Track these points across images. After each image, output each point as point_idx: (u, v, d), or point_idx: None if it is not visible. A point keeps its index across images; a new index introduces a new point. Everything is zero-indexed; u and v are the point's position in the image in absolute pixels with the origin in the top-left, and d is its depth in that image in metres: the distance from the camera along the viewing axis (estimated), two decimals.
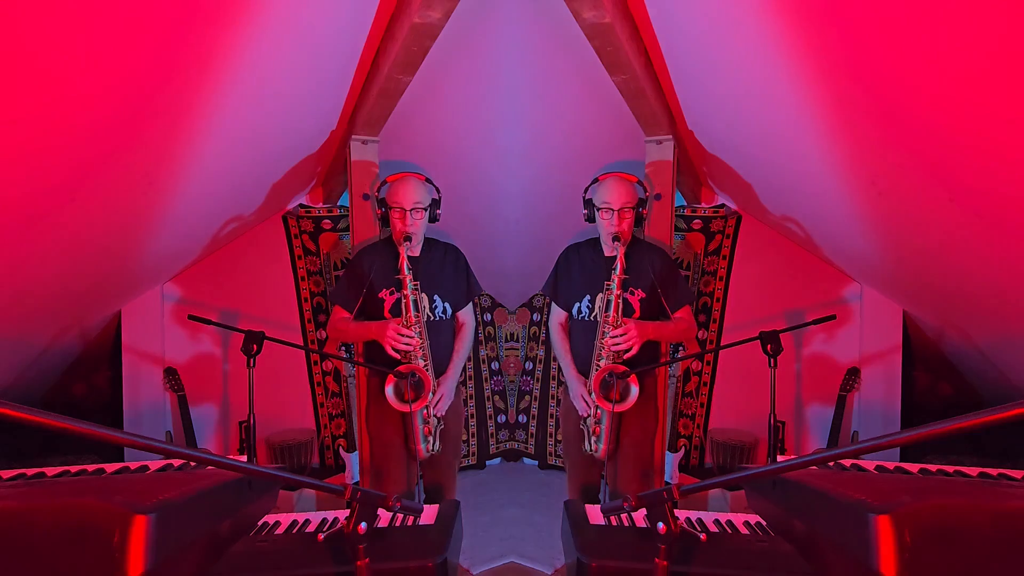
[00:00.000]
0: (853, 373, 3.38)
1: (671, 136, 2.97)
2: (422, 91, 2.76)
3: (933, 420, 0.98)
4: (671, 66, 2.45)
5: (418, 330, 2.49)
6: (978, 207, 1.83)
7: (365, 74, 2.63)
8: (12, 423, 0.90)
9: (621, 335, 2.47)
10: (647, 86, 2.56)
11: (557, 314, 2.75)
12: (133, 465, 2.15)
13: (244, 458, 2.90)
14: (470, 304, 2.76)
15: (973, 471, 2.04)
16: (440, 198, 2.68)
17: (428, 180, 2.65)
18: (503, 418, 4.58)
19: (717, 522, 1.99)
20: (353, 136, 2.99)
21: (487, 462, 4.56)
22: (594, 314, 2.61)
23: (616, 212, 2.54)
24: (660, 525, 1.21)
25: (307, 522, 2.00)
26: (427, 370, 2.50)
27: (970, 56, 1.30)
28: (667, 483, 3.51)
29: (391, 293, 2.59)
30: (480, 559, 3.12)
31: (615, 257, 2.48)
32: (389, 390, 2.48)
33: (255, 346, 2.73)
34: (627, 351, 2.49)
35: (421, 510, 1.37)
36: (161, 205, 2.36)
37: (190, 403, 3.38)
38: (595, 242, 2.70)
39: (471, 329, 2.75)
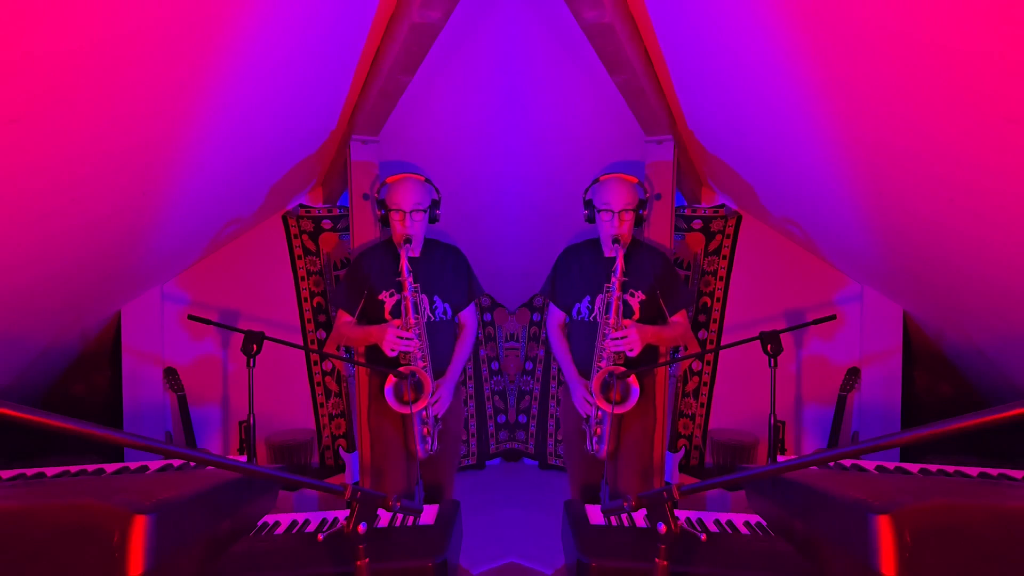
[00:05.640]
0: (853, 373, 3.38)
1: (671, 136, 2.97)
2: (422, 91, 2.76)
3: (933, 420, 0.98)
4: (671, 66, 2.45)
5: (418, 332, 2.49)
6: (978, 207, 1.83)
7: (365, 74, 2.63)
8: (12, 423, 0.90)
9: (622, 338, 2.47)
10: (647, 86, 2.56)
11: (555, 315, 2.75)
12: (133, 465, 2.16)
13: (244, 458, 2.90)
14: (472, 305, 2.76)
15: (973, 471, 2.04)
16: (440, 198, 2.68)
17: (427, 180, 2.65)
18: (503, 418, 4.58)
19: (717, 522, 1.99)
20: (353, 136, 2.99)
21: (487, 462, 4.55)
22: (594, 315, 2.60)
23: (616, 214, 2.54)
24: (660, 525, 1.21)
25: (307, 522, 2.00)
26: (426, 371, 2.50)
27: (969, 55, 1.30)
28: (667, 483, 3.51)
29: (391, 295, 2.59)
30: (480, 559, 3.11)
31: (615, 258, 2.48)
32: (388, 391, 2.48)
33: (255, 346, 2.73)
34: (629, 351, 2.49)
35: (421, 510, 1.37)
36: (161, 205, 2.36)
37: (190, 403, 3.38)
38: (595, 243, 2.69)
39: (472, 331, 2.75)
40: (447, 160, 3.24)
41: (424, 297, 2.59)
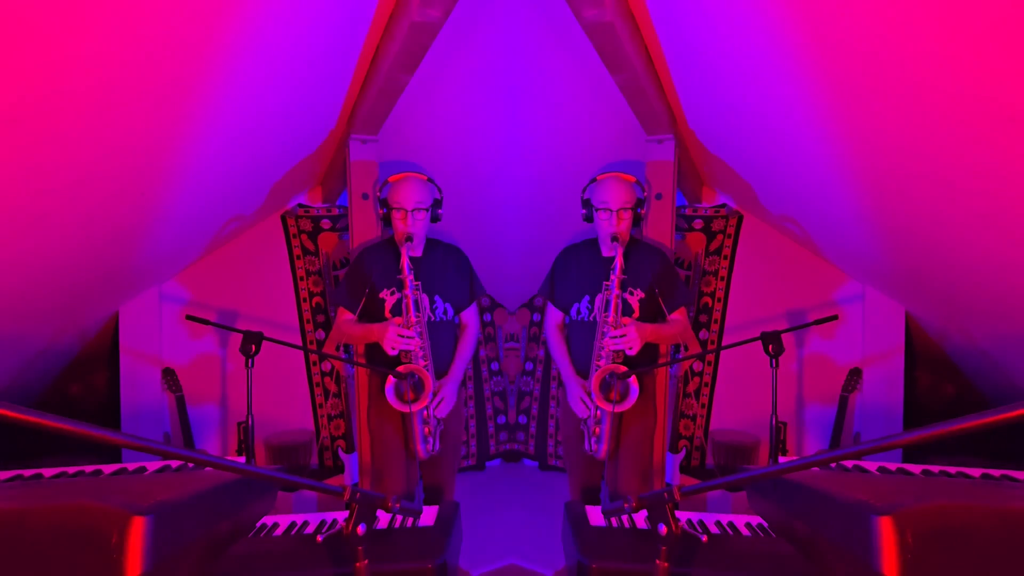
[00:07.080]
0: (855, 373, 3.38)
1: (672, 135, 2.97)
2: (422, 91, 2.76)
3: (936, 421, 0.98)
4: (672, 65, 2.44)
5: (419, 330, 2.48)
6: (981, 206, 1.82)
7: (365, 73, 2.62)
8: (9, 423, 0.90)
9: (621, 336, 2.46)
10: (648, 85, 2.55)
11: (553, 315, 2.74)
12: (131, 466, 2.15)
13: (242, 459, 2.89)
14: (474, 305, 2.75)
15: (976, 472, 2.04)
16: (442, 198, 2.67)
17: (430, 180, 2.64)
18: (503, 419, 4.57)
19: (718, 523, 1.98)
20: (352, 136, 2.98)
21: (487, 463, 4.55)
22: (593, 315, 2.60)
23: (614, 213, 2.53)
24: (661, 526, 1.20)
25: (306, 523, 2.00)
26: (427, 370, 2.49)
27: (970, 56, 1.29)
28: (668, 484, 3.50)
29: (392, 293, 2.58)
30: (480, 560, 3.10)
31: (614, 257, 2.48)
32: (389, 390, 2.47)
33: (253, 346, 2.72)
34: (628, 348, 2.48)
35: (420, 511, 1.36)
36: (160, 205, 2.35)
37: (189, 404, 3.37)
38: (592, 243, 2.69)
39: (475, 331, 2.74)
40: (447, 159, 3.23)
41: (425, 296, 2.58)
